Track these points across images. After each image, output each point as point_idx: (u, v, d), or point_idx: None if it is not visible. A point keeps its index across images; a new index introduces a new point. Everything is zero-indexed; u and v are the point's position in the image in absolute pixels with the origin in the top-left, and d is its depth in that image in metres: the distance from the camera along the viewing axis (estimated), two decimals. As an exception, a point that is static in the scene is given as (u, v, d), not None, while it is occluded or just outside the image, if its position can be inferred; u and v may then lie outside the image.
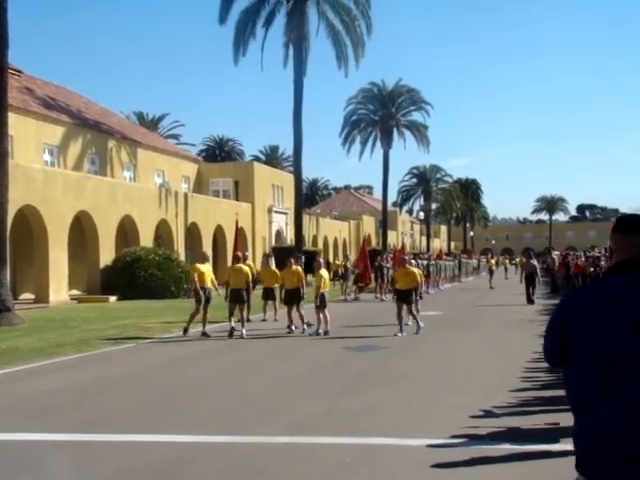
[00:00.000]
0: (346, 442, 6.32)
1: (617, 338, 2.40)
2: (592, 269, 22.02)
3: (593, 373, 2.43)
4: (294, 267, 15.80)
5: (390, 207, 62.78)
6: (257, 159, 78.58)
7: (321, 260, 17.26)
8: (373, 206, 75.14)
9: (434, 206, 77.94)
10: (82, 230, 28.00)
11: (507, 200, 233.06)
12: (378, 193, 70.15)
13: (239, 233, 26.75)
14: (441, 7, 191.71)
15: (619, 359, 2.39)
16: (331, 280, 21.58)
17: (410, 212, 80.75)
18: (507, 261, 60.33)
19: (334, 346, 13.20)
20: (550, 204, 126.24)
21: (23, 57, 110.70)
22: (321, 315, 15.15)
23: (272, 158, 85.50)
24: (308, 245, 44.35)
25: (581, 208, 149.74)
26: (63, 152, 31.47)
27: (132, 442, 6.44)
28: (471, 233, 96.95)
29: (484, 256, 64.97)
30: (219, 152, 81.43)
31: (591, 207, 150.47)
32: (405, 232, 78.51)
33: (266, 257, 21.43)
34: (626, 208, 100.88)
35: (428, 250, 59.15)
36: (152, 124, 64.95)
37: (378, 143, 53.15)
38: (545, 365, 2.82)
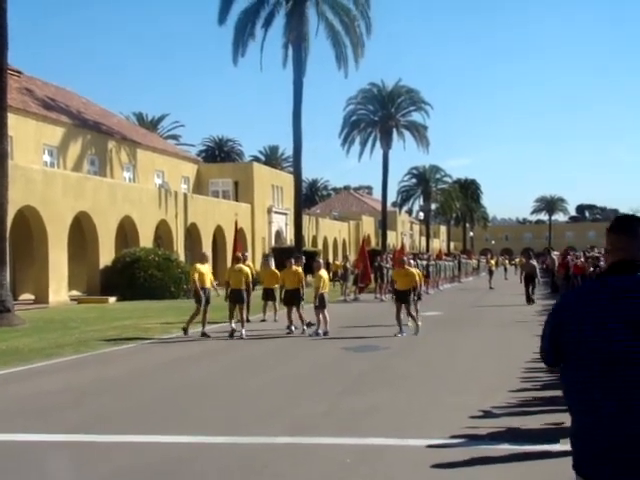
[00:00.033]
0: (346, 442, 6.32)
1: (617, 338, 2.40)
2: (592, 269, 22.02)
3: (594, 373, 2.43)
4: (294, 267, 15.80)
5: (390, 207, 62.79)
6: (257, 159, 78.55)
7: (320, 260, 17.26)
8: (373, 206, 75.14)
9: (434, 206, 77.95)
10: (82, 231, 28.00)
11: (507, 200, 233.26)
12: (378, 193, 70.15)
13: (239, 234, 26.74)
14: (440, 7, 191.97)
15: (620, 359, 2.39)
16: (331, 281, 21.59)
17: (410, 212, 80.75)
18: (507, 261, 60.29)
19: (334, 347, 13.20)
20: (549, 204, 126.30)
21: (23, 58, 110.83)
22: (321, 316, 15.15)
23: (272, 158, 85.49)
24: (308, 245, 44.32)
25: (580, 208, 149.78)
26: (63, 153, 31.47)
27: (132, 442, 6.44)
28: (471, 233, 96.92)
29: (484, 256, 64.98)
30: (219, 152, 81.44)
31: (590, 207, 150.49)
32: (405, 232, 78.57)
33: (266, 257, 21.44)
34: (626, 208, 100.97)
35: (428, 250, 59.10)
36: (152, 125, 64.93)
37: (378, 143, 53.18)
38: (545, 365, 2.82)
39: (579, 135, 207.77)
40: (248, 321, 16.08)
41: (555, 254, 32.96)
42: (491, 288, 35.23)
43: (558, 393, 7.47)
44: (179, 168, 41.79)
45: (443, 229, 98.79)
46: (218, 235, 37.90)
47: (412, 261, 20.24)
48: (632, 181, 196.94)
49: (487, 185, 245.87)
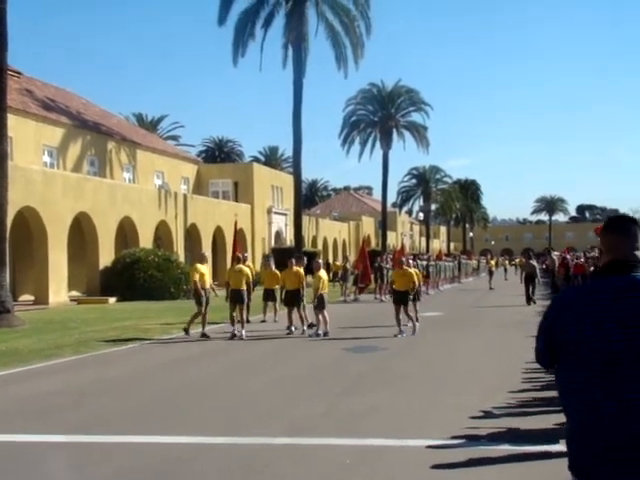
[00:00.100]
0: (346, 443, 6.32)
1: (618, 338, 2.40)
2: (592, 269, 22.01)
3: (594, 373, 2.42)
4: (295, 268, 15.78)
5: (389, 208, 62.79)
6: (256, 160, 78.58)
7: (320, 261, 17.26)
8: (372, 207, 75.18)
9: (433, 207, 77.99)
10: (82, 231, 28.00)
11: (507, 201, 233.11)
12: (377, 194, 70.19)
13: (238, 234, 26.73)
14: (440, 8, 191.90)
15: (620, 359, 2.38)
16: (330, 281, 21.59)
17: (410, 213, 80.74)
18: (507, 262, 60.23)
19: (333, 347, 13.19)
20: (550, 205, 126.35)
21: (22, 58, 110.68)
22: (320, 316, 15.14)
23: (271, 159, 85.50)
24: (308, 246, 44.32)
25: (580, 209, 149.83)
26: (62, 153, 31.48)
27: (132, 443, 6.44)
28: (470, 234, 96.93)
29: (484, 257, 65.02)
30: (218, 153, 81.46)
31: (590, 207, 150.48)
32: (405, 233, 78.56)
33: (266, 258, 21.43)
34: (626, 208, 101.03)
35: (428, 251, 59.14)
36: (151, 125, 64.94)
37: (377, 144, 53.19)
38: (539, 366, 2.81)
39: (579, 135, 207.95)
40: (248, 322, 16.07)
41: (555, 254, 32.94)
42: (491, 289, 35.23)
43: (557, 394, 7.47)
44: (179, 169, 41.80)
45: (443, 229, 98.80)
46: (218, 236, 37.90)
47: (412, 261, 20.22)
48: (632, 181, 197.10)
49: (487, 185, 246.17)
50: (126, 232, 30.92)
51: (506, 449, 5.94)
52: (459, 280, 43.04)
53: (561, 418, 2.57)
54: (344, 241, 62.04)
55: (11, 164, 20.72)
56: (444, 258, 41.29)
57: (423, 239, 79.30)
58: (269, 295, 18.32)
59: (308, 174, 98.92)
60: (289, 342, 14.37)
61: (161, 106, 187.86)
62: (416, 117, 54.74)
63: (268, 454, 6.05)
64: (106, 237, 28.58)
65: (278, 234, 46.69)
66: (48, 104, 32.26)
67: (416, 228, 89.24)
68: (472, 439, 6.33)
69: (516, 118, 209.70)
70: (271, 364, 11.59)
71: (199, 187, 43.23)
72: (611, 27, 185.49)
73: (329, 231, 57.56)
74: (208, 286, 15.20)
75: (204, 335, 14.70)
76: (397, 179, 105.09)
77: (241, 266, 15.59)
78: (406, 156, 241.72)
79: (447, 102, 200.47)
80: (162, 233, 33.38)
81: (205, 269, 15.46)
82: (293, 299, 15.66)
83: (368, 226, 67.26)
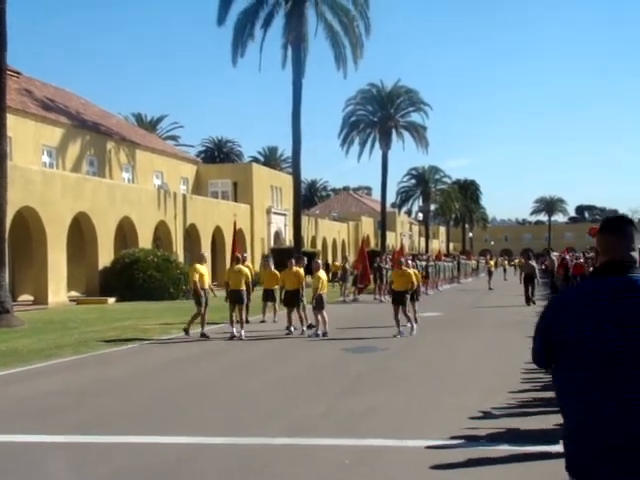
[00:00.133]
0: (345, 443, 6.33)
1: (617, 338, 2.40)
2: (591, 270, 22.02)
3: (594, 373, 2.43)
4: (295, 268, 15.78)
5: (389, 208, 62.84)
6: (256, 160, 78.57)
7: (319, 261, 17.26)
8: (372, 207, 75.18)
9: (433, 207, 77.99)
10: (81, 231, 28.00)
11: (506, 201, 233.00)
12: (377, 194, 70.19)
13: (238, 234, 26.73)
14: (439, 8, 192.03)
15: (619, 359, 2.39)
16: (330, 281, 21.60)
17: (409, 213, 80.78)
18: (506, 262, 60.27)
19: (333, 347, 13.20)
20: (549, 205, 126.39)
21: (22, 58, 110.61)
22: (319, 316, 15.14)
23: (271, 159, 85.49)
24: (307, 246, 44.31)
25: (580, 209, 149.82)
26: (62, 153, 31.47)
27: (131, 443, 6.44)
28: (470, 234, 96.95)
29: (483, 257, 65.06)
30: (218, 153, 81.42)
31: (590, 208, 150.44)
32: (404, 233, 78.60)
33: (266, 258, 21.43)
34: (625, 209, 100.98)
35: (427, 251, 59.14)
36: (151, 125, 64.92)
37: (377, 144, 53.17)
38: (537, 366, 2.82)
39: (578, 136, 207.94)
40: (247, 322, 16.07)
41: (555, 255, 32.95)
42: (490, 289, 35.25)
43: (557, 394, 7.47)
44: (178, 169, 41.79)
45: (442, 230, 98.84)
46: (217, 236, 37.89)
47: (411, 262, 20.22)
48: (631, 181, 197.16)
49: (486, 186, 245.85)
50: (125, 232, 30.91)
51: (506, 449, 5.94)
52: (458, 280, 43.06)
53: (561, 418, 2.57)
54: (343, 241, 62.03)
55: (10, 164, 20.72)
56: (443, 258, 41.27)
57: (422, 239, 79.32)
58: (268, 295, 18.31)
59: (307, 174, 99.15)
60: (288, 342, 14.37)
61: (160, 106, 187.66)
62: (415, 117, 54.81)
63: (267, 454, 6.05)
64: (105, 237, 28.57)
65: (277, 234, 46.69)
66: (47, 104, 32.25)
67: (415, 228, 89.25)
68: (472, 439, 6.33)
69: (516, 118, 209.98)
70: (270, 364, 11.59)
71: (198, 187, 43.22)
72: (611, 27, 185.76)
73: (328, 231, 57.56)
74: (207, 286, 15.20)
75: (203, 335, 14.70)
76: (396, 179, 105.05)
77: (240, 266, 15.59)
78: (405, 156, 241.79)
79: (447, 102, 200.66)
80: (161, 233, 33.37)
81: (204, 269, 15.46)
82: (292, 299, 15.66)
83: (367, 226, 67.27)
